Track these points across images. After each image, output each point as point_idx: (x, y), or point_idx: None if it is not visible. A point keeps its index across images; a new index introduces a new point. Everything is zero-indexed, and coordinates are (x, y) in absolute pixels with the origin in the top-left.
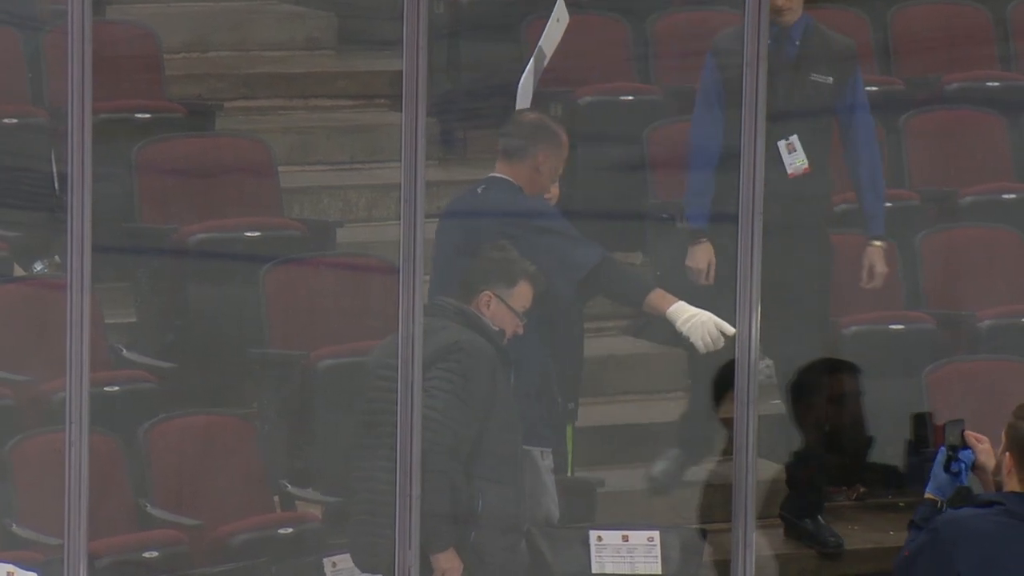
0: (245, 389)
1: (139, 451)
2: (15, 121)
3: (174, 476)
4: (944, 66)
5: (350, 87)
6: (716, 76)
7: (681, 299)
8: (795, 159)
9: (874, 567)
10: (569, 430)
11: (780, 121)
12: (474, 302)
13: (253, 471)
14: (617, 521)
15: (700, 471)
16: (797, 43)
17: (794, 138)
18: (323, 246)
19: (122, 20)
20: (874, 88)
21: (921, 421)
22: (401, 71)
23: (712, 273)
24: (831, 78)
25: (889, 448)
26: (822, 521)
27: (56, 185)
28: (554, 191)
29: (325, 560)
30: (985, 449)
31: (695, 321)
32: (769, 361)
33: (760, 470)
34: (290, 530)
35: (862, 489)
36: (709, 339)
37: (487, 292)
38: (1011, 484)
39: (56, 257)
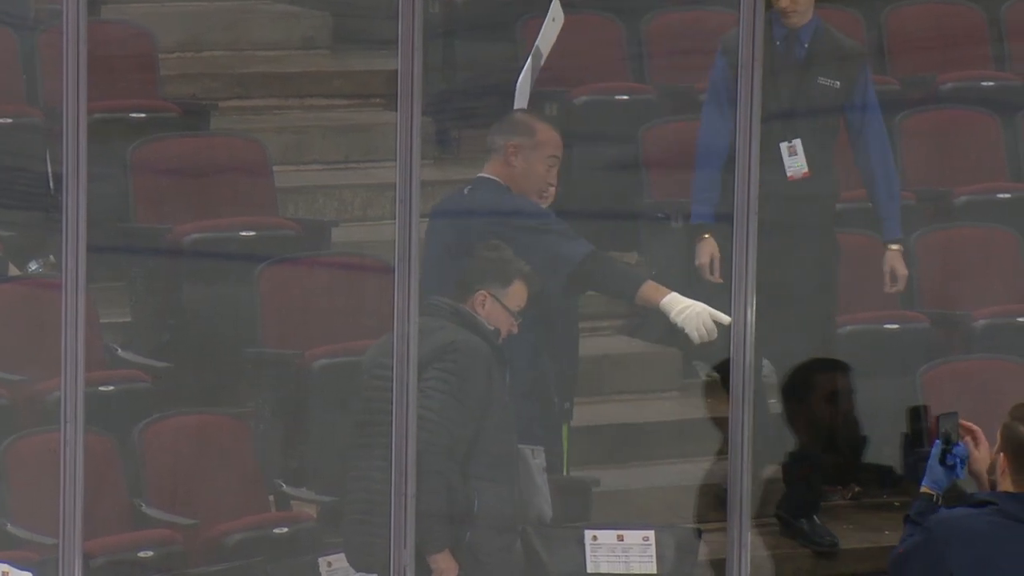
0: (240, 388)
1: (134, 450)
2: (10, 121)
3: (169, 475)
4: (939, 66)
5: (345, 86)
6: (725, 75)
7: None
8: (795, 162)
9: (869, 566)
10: (565, 429)
11: (785, 122)
12: (469, 301)
13: (248, 470)
14: (612, 520)
15: (696, 471)
16: (806, 45)
17: (797, 142)
18: (318, 246)
19: (117, 20)
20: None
21: (916, 416)
22: (396, 70)
23: (717, 268)
24: (839, 82)
25: (884, 447)
26: (817, 521)
27: (51, 185)
28: (552, 191)
29: (320, 560)
30: (978, 441)
31: (689, 312)
32: (766, 361)
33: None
34: (285, 530)
35: (857, 488)
36: (704, 330)
37: (482, 292)
38: (1004, 484)
39: (51, 257)
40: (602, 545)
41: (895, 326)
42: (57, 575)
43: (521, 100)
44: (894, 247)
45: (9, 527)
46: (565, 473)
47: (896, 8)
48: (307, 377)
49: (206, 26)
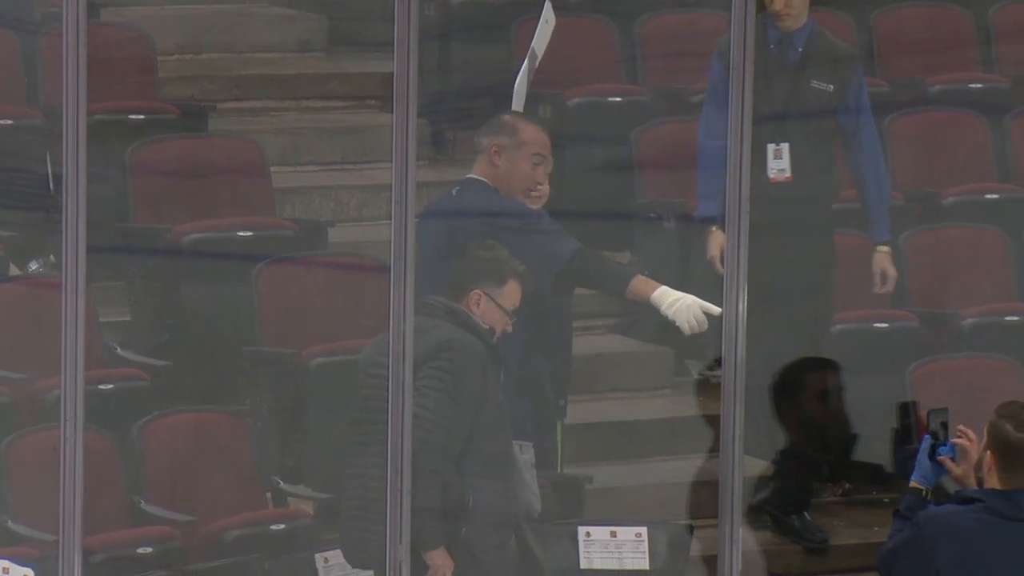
0: (238, 387)
1: (133, 448)
2: (11, 122)
3: (168, 473)
4: (928, 68)
5: (341, 88)
6: (722, 76)
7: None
8: (779, 165)
9: (859, 562)
10: (559, 427)
11: (778, 125)
12: (464, 301)
13: (246, 468)
14: (606, 517)
15: (688, 468)
16: (800, 49)
17: (784, 145)
18: (315, 246)
19: (116, 23)
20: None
21: (905, 413)
22: (392, 73)
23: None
24: (831, 86)
25: (874, 445)
26: (808, 517)
27: (51, 185)
28: (545, 190)
29: (317, 556)
30: (967, 443)
31: (680, 304)
32: None
33: (747, 467)
34: (282, 526)
35: (847, 485)
36: (695, 321)
37: (477, 291)
38: (992, 481)
39: (51, 257)
40: (595, 541)
41: (884, 325)
42: (57, 571)
43: (518, 102)
44: (883, 249)
45: (10, 524)
46: (559, 470)
47: (886, 11)
48: (304, 376)
49: (204, 29)
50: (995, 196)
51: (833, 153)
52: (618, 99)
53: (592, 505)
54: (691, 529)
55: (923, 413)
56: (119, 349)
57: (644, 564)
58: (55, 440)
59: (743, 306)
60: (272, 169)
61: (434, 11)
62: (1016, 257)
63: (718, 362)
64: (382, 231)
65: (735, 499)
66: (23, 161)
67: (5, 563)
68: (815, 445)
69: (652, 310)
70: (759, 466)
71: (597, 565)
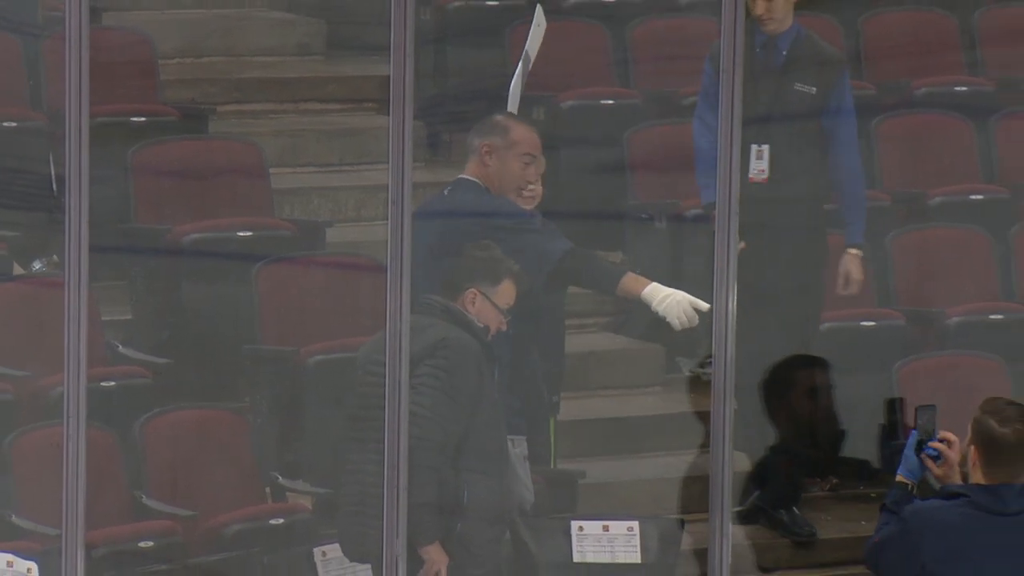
0: (238, 384)
1: (135, 444)
2: (14, 124)
3: (169, 468)
4: (914, 72)
5: (339, 91)
6: (713, 80)
7: None
8: (758, 166)
9: (846, 555)
10: (552, 423)
11: (762, 127)
12: (460, 300)
13: (245, 464)
14: (598, 512)
15: (679, 464)
16: (784, 52)
17: (765, 147)
18: (313, 245)
19: (118, 27)
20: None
21: (892, 410)
22: (389, 76)
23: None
24: (814, 88)
25: (861, 441)
26: (797, 511)
27: (54, 186)
28: (537, 191)
29: (315, 550)
30: (949, 452)
31: (670, 300)
32: None
33: (736, 463)
34: (281, 521)
35: (834, 480)
36: (684, 317)
37: (472, 290)
38: (976, 476)
39: (54, 256)
40: (588, 535)
41: (872, 323)
42: (60, 565)
43: (513, 104)
44: (853, 251)
45: (14, 518)
46: (552, 466)
47: (873, 16)
48: (303, 373)
49: (204, 33)
50: (980, 197)
51: (817, 155)
52: (610, 102)
53: (585, 500)
54: (682, 523)
55: (909, 410)
56: (121, 347)
57: (636, 558)
58: (58, 436)
59: (733, 305)
60: (271, 170)
61: (430, 16)
62: (1000, 257)
63: (709, 359)
64: (379, 231)
65: (725, 494)
66: (26, 162)
67: (9, 557)
68: (804, 441)
69: (643, 308)
70: (749, 462)
71: (590, 559)
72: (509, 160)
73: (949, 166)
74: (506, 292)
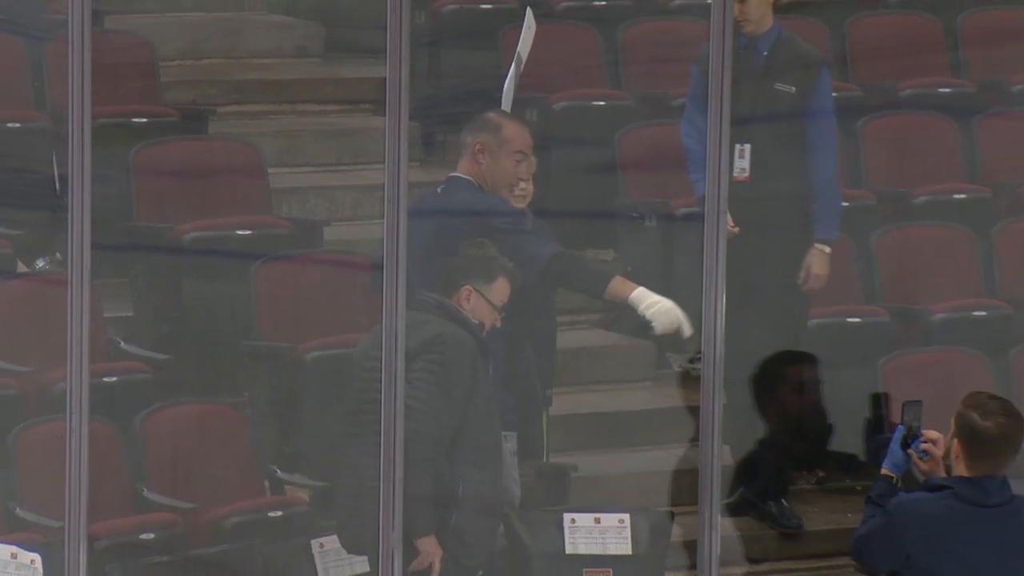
0: (237, 379)
1: (136, 438)
2: (19, 125)
3: (169, 462)
4: (899, 73)
5: (336, 93)
6: (699, 81)
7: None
8: (740, 165)
9: (832, 547)
10: (544, 417)
11: (744, 127)
12: (455, 296)
13: (244, 457)
14: (590, 504)
15: (669, 457)
16: (764, 53)
17: (747, 146)
18: (311, 243)
19: (120, 30)
20: (833, 94)
21: (877, 405)
22: (384, 78)
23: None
24: (794, 88)
25: (847, 435)
26: (786, 504)
27: (57, 186)
28: (529, 189)
29: (313, 541)
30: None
31: (658, 307)
32: None
33: (725, 456)
34: (279, 513)
35: (821, 474)
36: (668, 324)
37: (467, 287)
38: (959, 469)
39: (57, 254)
40: (580, 527)
41: (857, 320)
42: (63, 557)
43: (506, 104)
44: (818, 246)
45: (18, 511)
46: (545, 459)
47: (859, 19)
48: (300, 369)
49: (204, 35)
50: (963, 196)
51: (800, 154)
52: (602, 103)
53: (577, 493)
54: (672, 516)
55: (894, 404)
56: (122, 343)
57: (627, 549)
58: (61, 430)
59: (722, 301)
60: (270, 170)
61: (425, 19)
62: (983, 255)
63: (698, 355)
64: (375, 229)
65: (714, 487)
66: (30, 162)
67: (13, 548)
68: (792, 435)
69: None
70: (737, 455)
71: (582, 550)
72: (502, 158)
73: (933, 166)
74: (500, 289)
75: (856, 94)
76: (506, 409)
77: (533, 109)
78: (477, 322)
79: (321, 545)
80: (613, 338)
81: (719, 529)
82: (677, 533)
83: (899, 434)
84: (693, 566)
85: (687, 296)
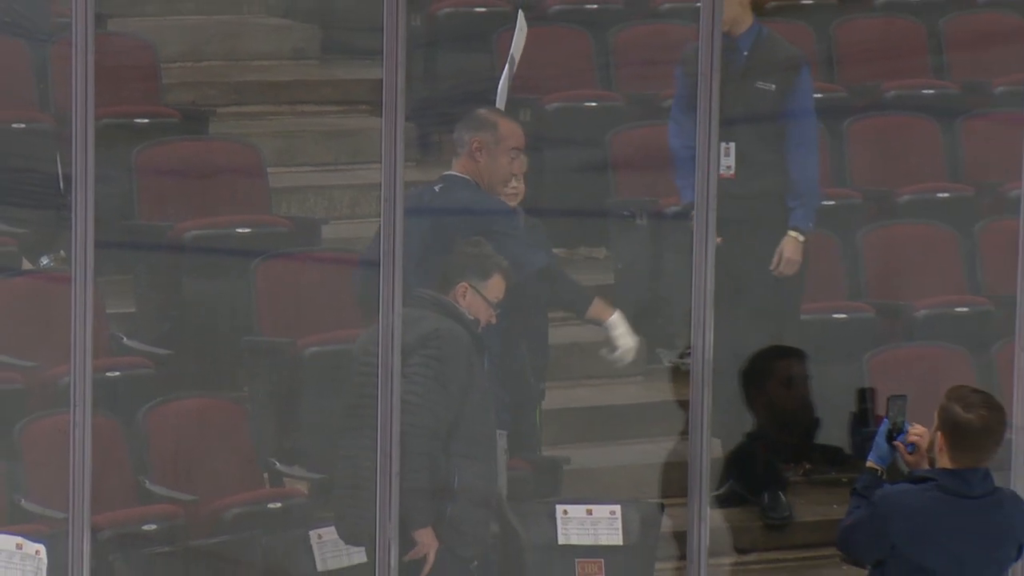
0: (237, 374)
1: (138, 432)
2: (23, 126)
3: (171, 455)
4: (883, 75)
5: (333, 94)
6: (684, 82)
7: (639, 293)
8: (725, 162)
9: (819, 538)
10: (538, 411)
11: (727, 125)
12: (451, 293)
13: (244, 450)
14: (582, 496)
15: (659, 450)
16: (745, 53)
17: (732, 144)
18: (309, 241)
19: (122, 33)
20: (818, 95)
21: (863, 399)
22: (381, 79)
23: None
24: (774, 86)
25: (833, 428)
26: (781, 496)
27: (61, 185)
28: (520, 188)
29: (311, 532)
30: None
31: (625, 340)
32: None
33: (714, 449)
34: (279, 504)
35: (808, 466)
36: (623, 356)
37: (463, 284)
38: (943, 461)
39: (61, 252)
40: (572, 519)
41: (843, 316)
42: (67, 547)
43: (500, 104)
44: (793, 234)
45: (23, 503)
46: (539, 452)
47: (844, 21)
48: (299, 364)
49: (205, 38)
50: (946, 195)
51: (782, 151)
52: (593, 104)
53: (569, 485)
54: (662, 507)
55: (879, 399)
56: (125, 339)
57: (618, 540)
58: (65, 424)
59: (711, 297)
60: (269, 170)
61: (420, 22)
62: (966, 252)
63: (688, 351)
64: (373, 228)
65: (703, 479)
66: (34, 162)
67: (19, 539)
68: (780, 428)
69: (624, 304)
70: (726, 448)
71: (574, 541)
72: (498, 155)
73: (917, 165)
74: (496, 286)
75: (841, 95)
76: (500, 407)
77: (526, 110)
78: (473, 318)
79: (319, 536)
80: (604, 334)
81: (708, 520)
82: (667, 524)
83: (884, 428)
84: (683, 556)
85: (676, 292)
